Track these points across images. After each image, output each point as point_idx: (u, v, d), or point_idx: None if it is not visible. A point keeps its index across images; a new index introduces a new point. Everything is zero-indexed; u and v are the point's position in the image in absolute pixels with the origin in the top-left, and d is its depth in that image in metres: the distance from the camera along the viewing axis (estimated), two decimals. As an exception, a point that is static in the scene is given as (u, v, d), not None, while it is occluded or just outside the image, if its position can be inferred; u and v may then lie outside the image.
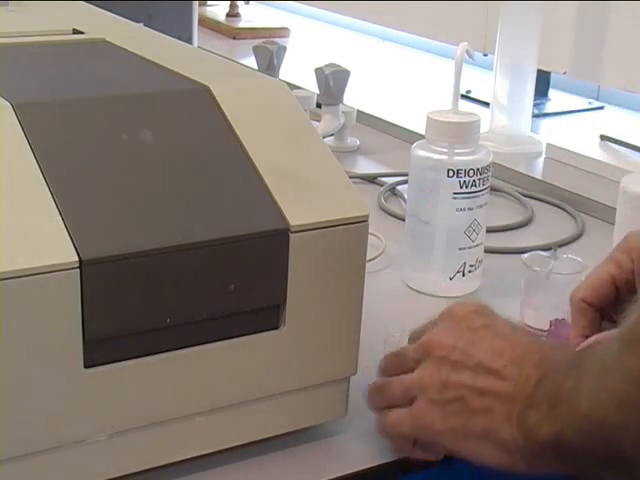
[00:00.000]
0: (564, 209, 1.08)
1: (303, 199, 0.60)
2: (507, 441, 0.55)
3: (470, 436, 0.57)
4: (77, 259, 0.52)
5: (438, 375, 0.58)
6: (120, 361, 0.55)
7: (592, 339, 0.66)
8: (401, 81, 1.61)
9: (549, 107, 1.45)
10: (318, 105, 1.22)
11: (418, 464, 0.64)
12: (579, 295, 0.66)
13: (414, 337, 0.63)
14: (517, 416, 0.54)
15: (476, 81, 1.45)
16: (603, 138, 1.26)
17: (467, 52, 0.87)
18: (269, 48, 1.29)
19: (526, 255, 0.79)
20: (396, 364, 0.62)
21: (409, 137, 1.20)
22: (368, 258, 0.64)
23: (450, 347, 0.58)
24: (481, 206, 0.85)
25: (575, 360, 0.53)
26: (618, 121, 1.39)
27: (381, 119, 1.34)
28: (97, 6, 0.94)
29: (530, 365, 0.55)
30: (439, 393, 0.58)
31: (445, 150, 0.85)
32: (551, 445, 0.52)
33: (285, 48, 1.32)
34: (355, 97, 1.30)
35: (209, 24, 1.91)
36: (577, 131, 1.35)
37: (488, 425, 0.56)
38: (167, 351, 0.57)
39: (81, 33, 0.81)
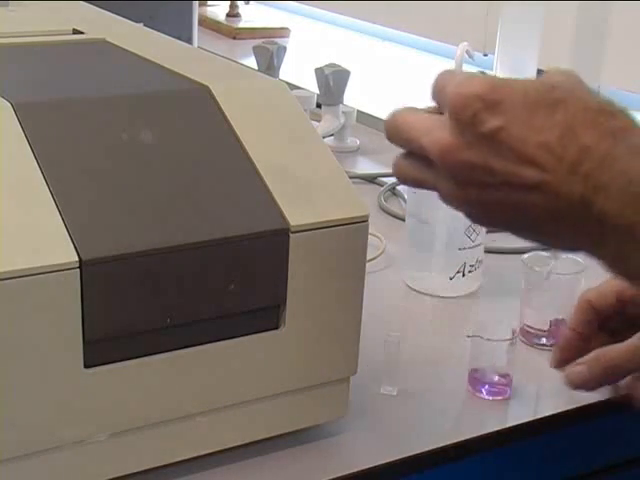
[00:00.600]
0: (564, 209, 1.08)
1: (303, 199, 0.60)
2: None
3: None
4: (77, 259, 0.52)
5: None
6: (120, 361, 0.55)
7: (592, 354, 0.66)
8: (401, 81, 1.61)
9: (549, 107, 1.44)
10: (318, 105, 1.22)
11: (418, 464, 0.64)
12: (586, 295, 0.67)
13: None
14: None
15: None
16: (603, 138, 1.26)
17: (467, 52, 0.87)
18: (269, 48, 1.29)
19: (526, 255, 0.79)
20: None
21: (409, 137, 1.20)
22: (368, 258, 0.64)
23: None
24: (481, 206, 0.85)
25: None
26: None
27: (381, 119, 1.33)
28: (97, 6, 0.94)
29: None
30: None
31: (445, 150, 0.85)
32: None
33: (285, 48, 1.32)
34: (355, 97, 1.30)
35: (209, 24, 1.91)
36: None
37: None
38: (167, 351, 0.57)
39: (81, 33, 0.81)
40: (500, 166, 0.52)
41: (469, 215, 0.55)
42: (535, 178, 0.51)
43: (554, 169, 0.51)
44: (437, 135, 0.54)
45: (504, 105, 0.52)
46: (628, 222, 0.49)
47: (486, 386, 0.70)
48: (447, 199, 0.55)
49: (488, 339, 0.69)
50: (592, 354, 0.67)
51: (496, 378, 0.70)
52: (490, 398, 0.70)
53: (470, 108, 0.52)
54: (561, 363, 0.70)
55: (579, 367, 0.67)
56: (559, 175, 0.51)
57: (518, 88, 0.52)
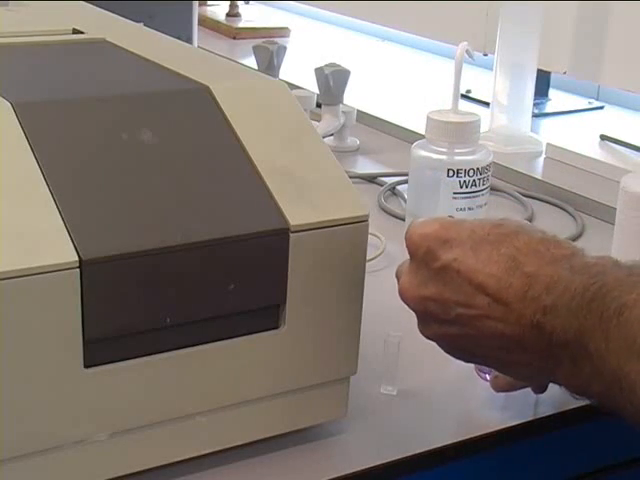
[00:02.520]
0: (564, 209, 1.08)
1: (303, 199, 0.60)
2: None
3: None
4: (77, 259, 0.52)
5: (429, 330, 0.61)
6: (120, 361, 0.55)
7: None
8: (401, 81, 1.61)
9: (549, 107, 1.45)
10: (318, 105, 1.22)
11: (418, 464, 0.64)
12: None
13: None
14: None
15: (476, 81, 1.45)
16: (603, 138, 1.26)
17: (467, 52, 0.87)
18: (269, 48, 1.29)
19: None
20: None
21: (409, 137, 1.20)
22: (368, 258, 0.64)
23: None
24: (481, 206, 0.85)
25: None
26: (618, 121, 1.39)
27: (381, 119, 1.34)
28: (97, 6, 0.94)
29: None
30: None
31: (445, 150, 0.85)
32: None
33: (285, 48, 1.32)
34: (355, 97, 1.30)
35: (209, 24, 1.91)
36: (577, 131, 1.35)
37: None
38: (167, 351, 0.57)
39: (81, 33, 0.81)
40: (454, 297, 0.58)
41: (441, 347, 0.62)
42: (487, 306, 0.56)
43: (504, 297, 0.56)
44: (402, 276, 0.61)
45: (454, 242, 0.58)
46: (576, 333, 0.53)
47: (491, 372, 0.71)
48: (420, 332, 0.62)
49: None
50: None
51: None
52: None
53: (423, 245, 0.59)
54: None
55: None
56: (509, 302, 0.55)
57: (466, 227, 0.59)
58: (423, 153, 0.86)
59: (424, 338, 0.72)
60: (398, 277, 0.63)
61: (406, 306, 0.62)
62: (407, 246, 0.60)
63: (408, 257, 0.62)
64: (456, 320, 0.58)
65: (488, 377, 0.71)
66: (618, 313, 0.51)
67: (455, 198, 0.84)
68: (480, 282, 0.56)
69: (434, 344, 0.69)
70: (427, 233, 0.59)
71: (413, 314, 0.73)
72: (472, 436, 0.66)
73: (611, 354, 0.51)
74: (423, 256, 0.59)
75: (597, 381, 0.53)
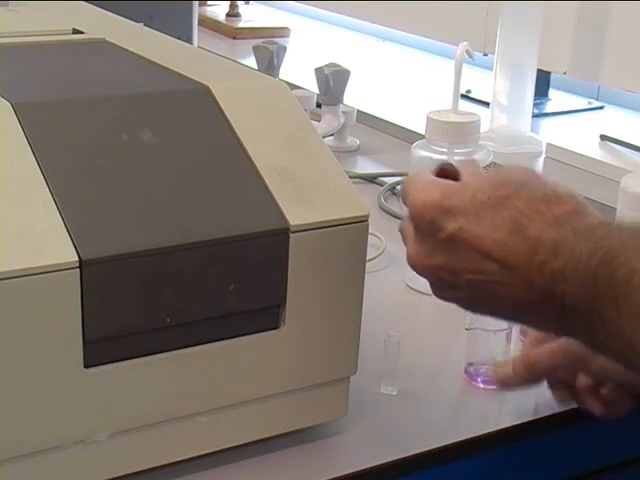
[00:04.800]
0: (564, 209, 1.08)
1: (303, 199, 0.60)
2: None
3: None
4: (77, 259, 0.52)
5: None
6: (120, 361, 0.55)
7: (519, 355, 0.69)
8: (401, 81, 1.61)
9: (549, 107, 1.45)
10: (318, 105, 1.22)
11: (417, 464, 0.64)
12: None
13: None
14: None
15: (476, 81, 1.45)
16: (603, 138, 1.26)
17: (467, 52, 0.87)
18: (269, 48, 1.29)
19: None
20: None
21: (409, 137, 1.20)
22: (368, 258, 0.64)
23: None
24: (481, 206, 0.85)
25: None
26: (618, 121, 1.39)
27: (381, 119, 1.34)
28: (97, 6, 0.94)
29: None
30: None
31: (445, 150, 0.85)
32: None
33: (285, 48, 1.32)
34: (355, 97, 1.30)
35: (209, 24, 1.91)
36: (577, 131, 1.35)
37: None
38: (167, 351, 0.57)
39: (81, 33, 0.81)
40: (462, 265, 0.57)
41: (458, 305, 0.61)
42: (496, 271, 0.56)
43: (511, 262, 0.55)
44: (408, 245, 0.60)
45: (457, 210, 0.57)
46: (586, 301, 0.52)
47: (482, 376, 0.72)
48: (435, 295, 0.61)
49: (484, 329, 0.70)
50: (517, 354, 0.69)
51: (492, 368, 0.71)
52: (485, 387, 0.71)
53: (427, 216, 0.58)
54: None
55: (505, 368, 0.69)
56: (517, 267, 0.55)
57: (467, 192, 0.58)
58: (423, 153, 0.86)
59: (424, 337, 0.73)
60: (402, 236, 0.61)
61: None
62: (410, 216, 0.59)
63: (409, 226, 0.60)
64: (467, 285, 0.57)
65: (481, 384, 0.71)
66: (627, 279, 0.50)
67: (455, 198, 0.84)
68: (486, 249, 0.56)
69: (434, 344, 0.69)
70: (429, 203, 0.58)
71: (413, 314, 0.73)
72: (472, 436, 0.66)
73: (623, 322, 0.51)
74: (427, 226, 0.58)
75: (613, 346, 0.52)
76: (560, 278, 0.53)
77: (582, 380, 0.67)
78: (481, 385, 0.72)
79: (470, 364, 0.72)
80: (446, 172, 0.61)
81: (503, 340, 0.72)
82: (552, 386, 0.69)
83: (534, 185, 0.57)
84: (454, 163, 0.63)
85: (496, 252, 0.55)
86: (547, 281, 0.54)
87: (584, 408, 0.67)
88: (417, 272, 0.60)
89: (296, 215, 0.59)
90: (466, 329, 0.72)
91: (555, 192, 0.57)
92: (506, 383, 0.69)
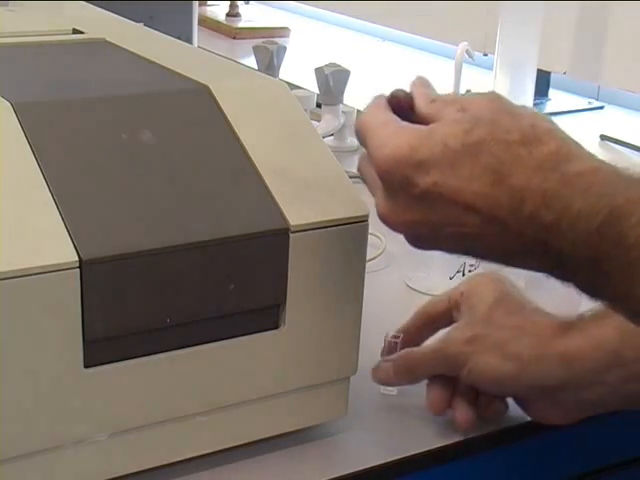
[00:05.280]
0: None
1: (303, 199, 0.60)
2: None
3: None
4: (77, 259, 0.52)
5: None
6: (120, 361, 0.55)
7: (401, 353, 0.69)
8: (401, 81, 1.60)
9: (549, 107, 1.45)
10: (318, 105, 1.22)
11: (417, 464, 0.64)
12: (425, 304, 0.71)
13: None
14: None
15: (476, 81, 1.45)
16: (603, 138, 1.26)
17: (467, 52, 0.87)
18: (269, 48, 1.29)
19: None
20: None
21: (409, 137, 1.20)
22: (368, 258, 0.64)
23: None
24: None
25: None
26: (618, 121, 1.39)
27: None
28: (97, 6, 0.94)
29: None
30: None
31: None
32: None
33: (285, 48, 1.32)
34: (355, 97, 1.30)
35: (209, 24, 1.91)
36: (577, 131, 1.34)
37: None
38: (167, 351, 0.57)
39: (81, 33, 0.81)
40: (441, 219, 0.53)
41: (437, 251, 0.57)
42: (480, 223, 0.52)
43: (497, 214, 0.51)
44: (377, 198, 0.55)
45: (428, 162, 0.52)
46: (590, 259, 0.49)
47: None
48: (411, 246, 0.57)
49: None
50: (401, 353, 0.68)
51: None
52: None
53: (397, 174, 0.53)
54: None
55: (386, 364, 0.69)
56: (503, 219, 0.51)
57: (437, 140, 0.52)
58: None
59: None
60: (366, 182, 0.57)
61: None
62: (378, 174, 0.54)
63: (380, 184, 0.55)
64: (450, 237, 0.54)
65: None
66: None
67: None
68: (467, 202, 0.52)
69: (435, 345, 0.69)
70: (398, 158, 0.53)
71: (413, 314, 0.73)
72: (472, 436, 0.66)
73: (637, 285, 0.48)
74: (399, 184, 0.53)
75: (622, 303, 0.50)
76: (555, 231, 0.50)
77: (461, 384, 0.67)
78: None
79: None
80: (399, 99, 0.57)
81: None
82: (429, 387, 0.68)
83: (508, 123, 0.52)
84: (408, 90, 0.58)
85: (477, 204, 0.51)
86: (540, 234, 0.50)
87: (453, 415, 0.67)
88: (391, 228, 0.56)
89: (296, 215, 0.59)
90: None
91: (533, 130, 0.52)
92: (385, 381, 0.69)
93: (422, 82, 0.59)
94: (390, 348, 0.69)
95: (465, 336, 0.65)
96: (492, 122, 0.52)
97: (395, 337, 0.70)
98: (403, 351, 0.68)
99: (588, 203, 0.49)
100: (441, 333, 0.69)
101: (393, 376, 0.68)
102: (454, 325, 0.68)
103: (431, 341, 0.70)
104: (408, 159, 0.53)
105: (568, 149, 0.52)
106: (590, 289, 0.52)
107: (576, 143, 0.53)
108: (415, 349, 0.69)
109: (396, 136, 0.54)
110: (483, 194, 0.51)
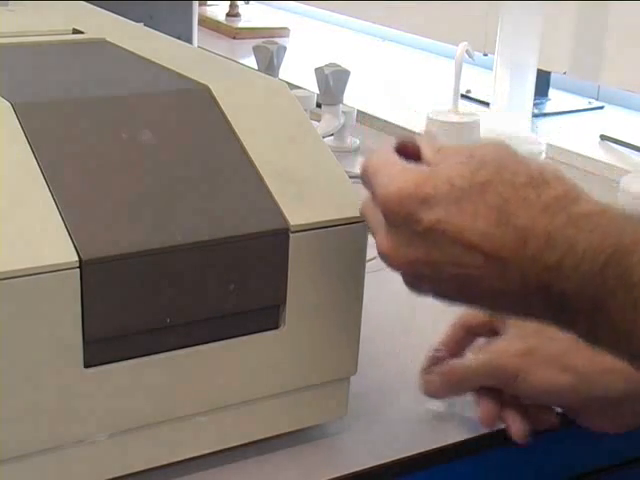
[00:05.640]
0: (564, 209, 1.08)
1: (303, 199, 0.60)
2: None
3: None
4: (77, 259, 0.52)
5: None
6: (120, 361, 0.55)
7: (447, 366, 0.67)
8: (401, 81, 1.61)
9: (549, 107, 1.45)
10: (318, 105, 1.22)
11: (417, 464, 0.64)
12: (461, 315, 0.70)
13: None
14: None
15: (476, 81, 1.45)
16: (603, 138, 1.26)
17: (467, 52, 0.87)
18: (269, 48, 1.29)
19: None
20: None
21: (409, 137, 1.20)
22: (368, 258, 0.64)
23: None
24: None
25: None
26: (618, 121, 1.39)
27: (381, 119, 1.34)
28: (97, 6, 0.94)
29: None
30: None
31: (445, 150, 0.85)
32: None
33: (285, 48, 1.32)
34: (355, 97, 1.30)
35: (209, 24, 1.91)
36: (577, 131, 1.35)
37: None
38: (167, 351, 0.57)
39: (81, 33, 0.81)
40: (443, 258, 0.52)
41: (433, 298, 0.56)
42: (483, 264, 0.51)
43: (500, 254, 0.50)
44: (378, 236, 0.55)
45: (433, 199, 0.52)
46: (592, 300, 0.49)
47: None
48: (410, 290, 0.57)
49: None
50: (447, 365, 0.67)
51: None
52: None
53: (401, 210, 0.52)
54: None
55: (432, 377, 0.67)
56: (506, 260, 0.50)
57: (443, 178, 0.52)
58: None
59: (424, 337, 0.72)
60: (368, 222, 0.57)
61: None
62: (381, 206, 0.54)
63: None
64: (450, 279, 0.53)
65: None
66: None
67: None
68: (470, 241, 0.51)
69: (435, 344, 0.69)
70: (403, 194, 0.52)
71: (414, 314, 0.73)
72: (472, 436, 0.66)
73: None
74: (403, 220, 0.53)
75: (624, 346, 0.50)
76: (558, 274, 0.49)
77: (507, 395, 0.66)
78: None
79: None
80: (407, 147, 0.57)
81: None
82: (478, 399, 0.67)
83: (515, 166, 0.52)
84: (415, 138, 0.57)
85: (481, 244, 0.51)
86: (543, 276, 0.49)
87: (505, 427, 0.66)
88: (391, 266, 0.55)
89: (296, 215, 0.59)
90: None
91: (541, 174, 0.52)
92: (433, 393, 0.68)
93: (429, 135, 0.58)
94: (433, 362, 0.68)
95: (516, 348, 0.65)
96: (499, 165, 0.52)
97: (437, 350, 0.69)
98: (448, 363, 0.67)
99: (593, 243, 0.48)
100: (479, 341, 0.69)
101: (440, 389, 0.67)
102: (502, 336, 0.67)
103: (471, 351, 0.69)
104: (413, 195, 0.52)
105: (576, 193, 0.51)
106: (591, 334, 0.51)
107: (583, 190, 0.52)
108: (461, 362, 0.67)
109: (402, 174, 0.53)
110: (487, 233, 0.51)
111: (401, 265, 0.54)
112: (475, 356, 0.67)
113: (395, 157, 0.55)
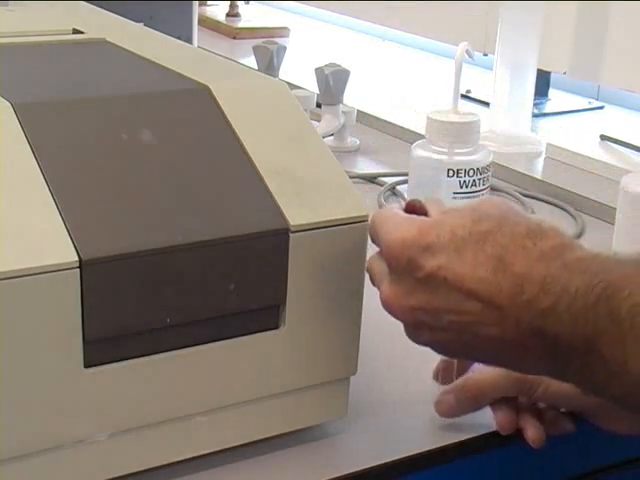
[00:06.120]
0: (564, 209, 1.08)
1: (303, 199, 0.60)
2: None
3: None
4: (77, 259, 0.52)
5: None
6: (120, 361, 0.55)
7: (459, 381, 0.67)
8: (401, 81, 1.61)
9: (549, 107, 1.45)
10: (318, 105, 1.22)
11: (417, 464, 0.64)
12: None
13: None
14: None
15: (476, 81, 1.45)
16: (603, 138, 1.26)
17: (467, 52, 0.87)
18: (269, 48, 1.29)
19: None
20: None
21: (409, 137, 1.20)
22: (368, 258, 0.64)
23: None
24: (481, 206, 0.85)
25: None
26: (618, 121, 1.39)
27: (381, 119, 1.34)
28: (97, 6, 0.94)
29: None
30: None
31: (445, 150, 0.85)
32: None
33: (285, 48, 1.32)
34: (355, 97, 1.30)
35: (209, 24, 1.91)
36: (577, 131, 1.35)
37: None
38: (167, 351, 0.57)
39: (81, 33, 0.81)
40: (443, 305, 0.54)
41: (435, 350, 0.58)
42: (480, 311, 0.53)
43: (496, 301, 0.52)
44: (382, 286, 0.57)
45: (435, 247, 0.54)
46: (584, 339, 0.50)
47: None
48: (410, 339, 0.58)
49: None
50: (459, 381, 0.66)
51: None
52: None
53: (404, 256, 0.55)
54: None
55: (447, 397, 0.67)
56: (502, 306, 0.52)
57: (446, 228, 0.55)
58: (423, 153, 0.86)
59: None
60: (372, 276, 0.59)
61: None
62: (384, 253, 0.57)
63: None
64: (449, 327, 0.55)
65: None
66: (632, 315, 0.48)
67: (455, 198, 0.84)
68: (469, 288, 0.53)
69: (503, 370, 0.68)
70: (406, 241, 0.55)
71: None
72: (472, 436, 0.66)
73: (631, 358, 0.48)
74: (405, 266, 0.55)
75: (616, 384, 0.50)
76: (552, 317, 0.50)
77: (524, 401, 0.66)
78: None
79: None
80: (415, 208, 0.60)
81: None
82: (494, 406, 0.66)
83: (516, 219, 0.55)
84: (422, 201, 0.60)
85: (479, 291, 0.53)
86: (536, 320, 0.51)
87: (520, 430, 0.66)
88: (393, 314, 0.57)
89: (296, 215, 0.59)
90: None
91: (539, 227, 0.54)
92: (449, 413, 0.67)
93: (436, 200, 0.61)
94: (445, 375, 0.68)
95: None
96: (500, 217, 0.55)
97: (448, 362, 0.68)
98: (461, 379, 0.66)
99: (584, 282, 0.50)
100: None
101: (456, 407, 0.66)
102: None
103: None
104: (416, 242, 0.55)
105: (571, 243, 0.53)
106: (585, 378, 0.52)
107: (578, 243, 0.54)
108: (477, 376, 0.66)
109: (407, 222, 0.56)
110: (485, 280, 0.53)
111: (402, 312, 0.57)
112: (490, 369, 0.65)
113: (401, 212, 0.58)
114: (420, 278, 0.55)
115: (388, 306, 0.57)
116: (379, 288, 0.58)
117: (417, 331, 0.57)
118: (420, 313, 0.55)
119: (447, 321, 0.54)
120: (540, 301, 0.51)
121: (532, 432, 0.65)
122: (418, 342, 0.58)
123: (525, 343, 0.52)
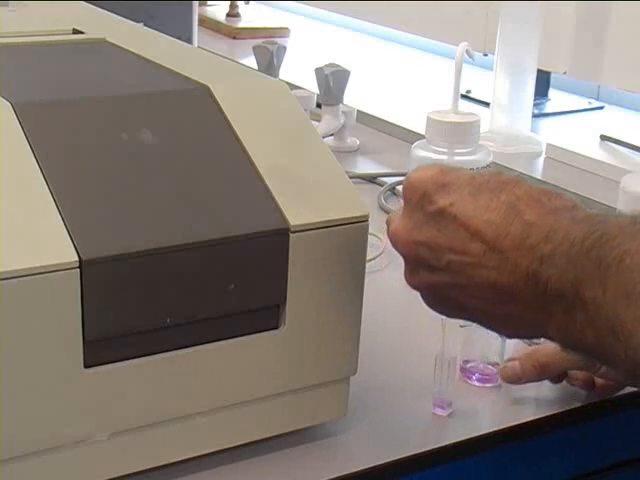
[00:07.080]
0: (564, 209, 1.08)
1: (303, 199, 0.60)
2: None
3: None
4: (77, 259, 0.52)
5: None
6: (120, 361, 0.55)
7: (527, 351, 0.69)
8: (401, 81, 1.61)
9: (549, 107, 1.45)
10: (318, 105, 1.22)
11: (418, 464, 0.64)
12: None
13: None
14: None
15: (476, 81, 1.45)
16: (603, 138, 1.26)
17: (467, 52, 0.87)
18: (269, 48, 1.29)
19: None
20: None
21: (409, 137, 1.20)
22: (368, 258, 0.64)
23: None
24: (481, 206, 0.85)
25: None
26: (618, 121, 1.39)
27: (381, 119, 1.34)
28: (97, 6, 0.94)
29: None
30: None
31: (445, 150, 0.85)
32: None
33: (285, 48, 1.32)
34: (355, 97, 1.30)
35: (209, 24, 1.91)
36: (577, 131, 1.35)
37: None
38: (167, 351, 0.57)
39: (81, 33, 0.81)
40: (447, 243, 0.55)
41: (424, 299, 0.60)
42: (482, 253, 0.54)
43: (500, 245, 0.53)
44: (393, 223, 0.58)
45: (452, 187, 0.56)
46: (572, 282, 0.51)
47: (476, 374, 0.72)
48: (406, 281, 0.59)
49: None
50: (528, 350, 0.69)
51: (488, 366, 0.72)
52: (480, 385, 0.72)
53: (420, 189, 0.57)
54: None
55: (512, 362, 0.69)
56: (505, 251, 0.53)
57: (466, 173, 0.57)
58: (423, 153, 0.86)
59: (424, 337, 0.72)
60: (389, 224, 0.60)
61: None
62: (403, 191, 0.58)
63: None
64: (447, 267, 0.55)
65: (476, 382, 0.71)
66: (618, 260, 0.49)
67: (455, 198, 0.84)
68: (477, 228, 0.54)
69: (434, 345, 0.69)
70: (425, 177, 0.57)
71: (414, 313, 0.73)
72: (472, 436, 0.66)
73: (608, 302, 0.49)
74: (419, 200, 0.56)
75: (591, 330, 0.50)
76: (548, 262, 0.51)
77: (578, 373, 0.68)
78: (477, 383, 0.72)
79: (466, 362, 0.72)
80: None
81: (498, 337, 0.71)
82: (554, 380, 0.69)
83: (533, 184, 0.56)
84: None
85: (486, 233, 0.54)
86: (534, 265, 0.52)
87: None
88: (397, 247, 0.58)
89: (296, 215, 0.59)
90: (461, 326, 0.71)
91: (556, 192, 0.56)
92: (513, 380, 0.69)
93: None
94: (442, 366, 0.68)
95: None
96: (520, 177, 0.57)
97: (448, 354, 0.69)
98: (530, 348, 0.69)
99: (584, 231, 0.51)
100: None
101: (520, 373, 0.68)
102: None
103: None
104: (435, 178, 0.56)
105: (584, 207, 0.55)
106: (564, 328, 0.52)
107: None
108: (545, 347, 0.68)
109: (432, 164, 0.58)
110: (493, 223, 0.54)
111: (406, 246, 0.57)
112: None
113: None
114: (431, 212, 0.56)
115: (395, 238, 0.58)
116: (391, 224, 0.59)
117: (415, 269, 0.58)
118: (423, 249, 0.56)
119: (447, 261, 0.55)
120: (541, 247, 0.52)
121: (582, 385, 0.68)
122: (412, 284, 0.59)
123: (516, 289, 0.53)
